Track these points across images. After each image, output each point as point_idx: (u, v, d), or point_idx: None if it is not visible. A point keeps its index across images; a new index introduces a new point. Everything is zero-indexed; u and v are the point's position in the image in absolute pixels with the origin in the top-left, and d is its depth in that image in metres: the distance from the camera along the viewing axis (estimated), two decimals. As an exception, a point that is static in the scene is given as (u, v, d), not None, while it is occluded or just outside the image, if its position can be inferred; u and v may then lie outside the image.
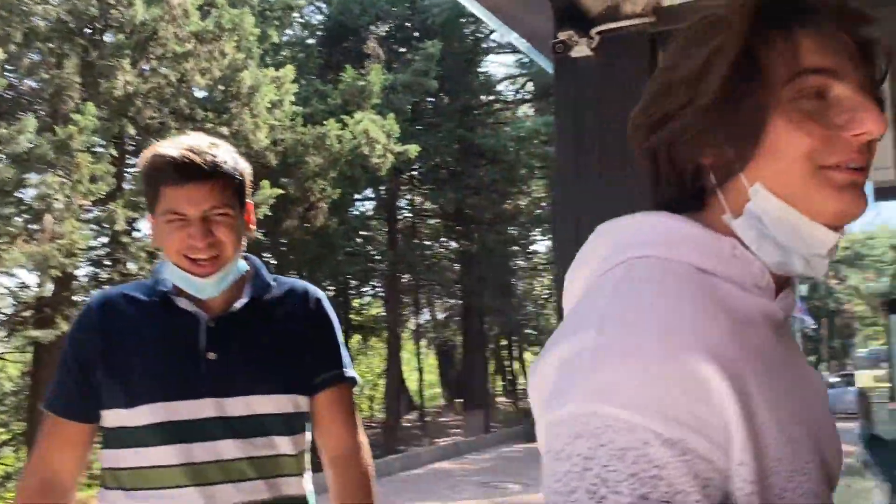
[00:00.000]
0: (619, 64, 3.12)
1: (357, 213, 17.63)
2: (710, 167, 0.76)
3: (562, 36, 3.16)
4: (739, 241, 0.74)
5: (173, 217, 1.49)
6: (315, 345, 1.65)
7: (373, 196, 18.48)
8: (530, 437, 15.61)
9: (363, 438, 1.70)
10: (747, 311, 0.71)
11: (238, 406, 1.52)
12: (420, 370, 19.43)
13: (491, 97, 19.99)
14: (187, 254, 1.50)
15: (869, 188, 7.16)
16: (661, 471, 0.58)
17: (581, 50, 3.16)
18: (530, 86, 20.92)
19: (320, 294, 1.73)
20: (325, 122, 11.71)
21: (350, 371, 1.70)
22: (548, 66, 3.65)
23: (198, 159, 1.50)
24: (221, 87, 10.35)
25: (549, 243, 23.91)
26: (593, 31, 3.13)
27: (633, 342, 0.63)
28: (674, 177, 0.79)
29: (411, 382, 22.66)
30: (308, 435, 1.66)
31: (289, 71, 11.14)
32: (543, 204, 20.51)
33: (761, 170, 0.73)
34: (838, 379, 23.96)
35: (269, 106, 10.72)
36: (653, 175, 0.82)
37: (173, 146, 1.52)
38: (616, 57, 3.13)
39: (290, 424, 1.58)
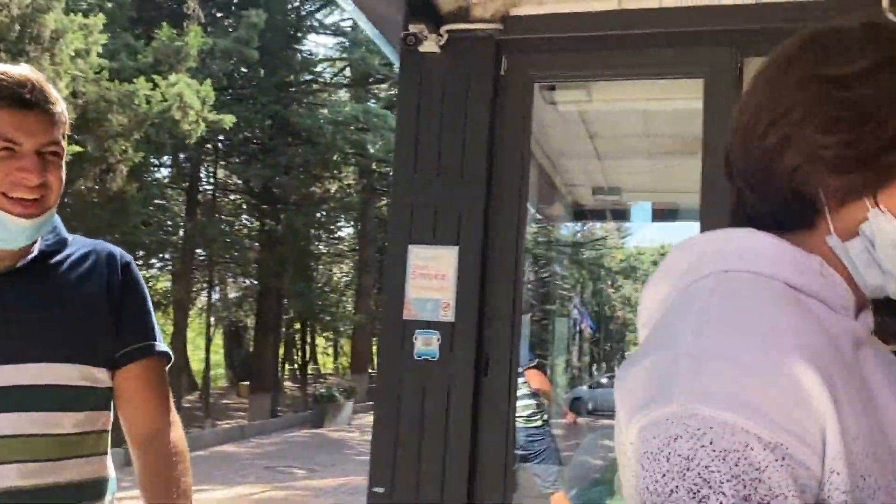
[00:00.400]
0: (465, 65, 3.21)
1: (154, 179, 16.66)
2: (830, 190, 0.74)
3: (413, 28, 3.18)
4: (836, 260, 0.76)
5: (1, 145, 1.29)
6: (121, 313, 1.47)
7: (170, 164, 17.53)
8: (317, 422, 15.54)
9: (176, 419, 1.53)
10: (835, 328, 0.72)
11: (14, 376, 1.33)
12: (207, 350, 18.71)
13: (310, 77, 19.64)
14: (8, 191, 1.30)
15: (648, 209, 7.72)
16: (761, 474, 0.59)
17: (430, 46, 3.21)
18: (349, 71, 20.79)
19: (128, 257, 1.55)
20: (134, 80, 10.94)
21: (162, 345, 1.54)
22: (392, 54, 3.66)
23: (46, 87, 1.33)
24: (19, 27, 9.36)
25: (352, 230, 23.93)
26: (443, 29, 3.19)
27: (734, 346, 0.64)
28: (791, 196, 0.76)
29: (195, 362, 21.79)
30: (110, 414, 1.49)
31: (99, 19, 10.25)
32: (352, 191, 20.48)
33: (887, 195, 0.73)
34: (607, 380, 25.93)
35: (73, 55, 9.83)
36: (751, 189, 0.80)
37: (12, 67, 1.34)
38: (463, 58, 3.21)
39: (81, 399, 1.40)
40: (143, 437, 1.48)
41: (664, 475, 0.61)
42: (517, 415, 5.62)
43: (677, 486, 0.60)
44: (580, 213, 7.01)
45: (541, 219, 8.15)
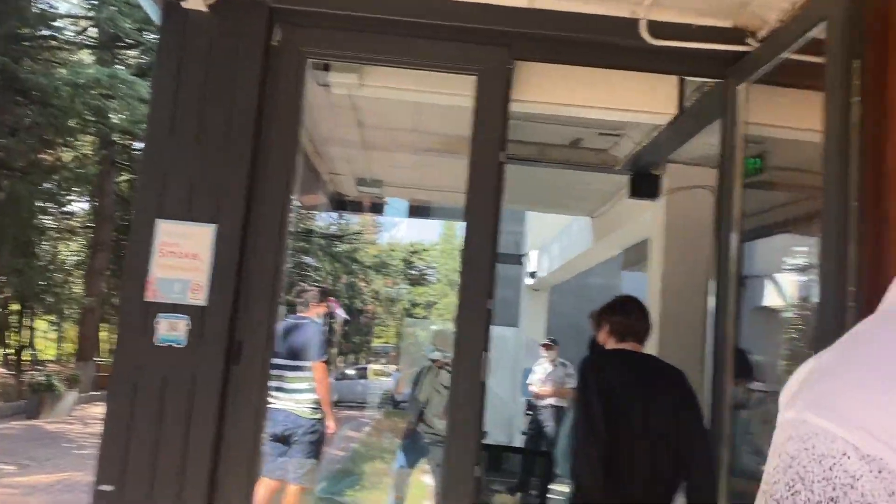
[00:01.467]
0: (234, 28, 2.98)
1: None
2: None
3: (178, -18, 2.91)
4: None
5: None
6: None
7: None
8: (33, 413, 14.11)
9: None
10: None
11: None
12: None
13: (47, 32, 17.65)
14: None
15: (405, 206, 7.87)
16: (855, 481, 0.64)
17: (196, 3, 2.95)
18: (95, 31, 19.04)
19: None
20: None
21: None
22: (151, 9, 3.33)
23: None
24: None
25: (87, 205, 21.98)
26: (213, -13, 2.94)
27: (852, 365, 0.72)
28: None
29: None
30: None
31: None
32: (89, 162, 18.75)
33: None
34: (354, 371, 26.13)
35: None
36: None
37: None
38: (232, 20, 2.98)
39: None
40: None
41: (775, 468, 0.70)
42: (305, 405, 5.48)
43: (779, 479, 0.69)
44: (340, 204, 6.93)
45: (298, 206, 7.95)
